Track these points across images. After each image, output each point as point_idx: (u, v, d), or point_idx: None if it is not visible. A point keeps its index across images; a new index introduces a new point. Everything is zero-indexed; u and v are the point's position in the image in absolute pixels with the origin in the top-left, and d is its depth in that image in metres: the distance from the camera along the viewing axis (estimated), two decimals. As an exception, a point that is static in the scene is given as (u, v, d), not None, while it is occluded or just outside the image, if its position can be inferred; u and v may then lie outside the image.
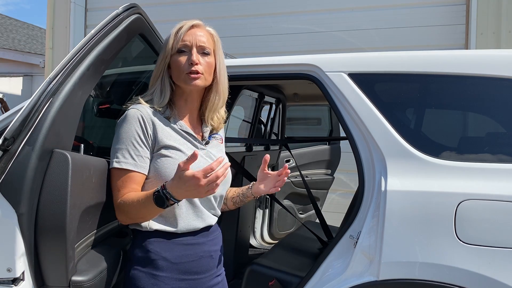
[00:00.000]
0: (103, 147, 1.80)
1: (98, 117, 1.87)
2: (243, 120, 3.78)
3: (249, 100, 3.61)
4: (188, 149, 1.46)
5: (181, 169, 1.24)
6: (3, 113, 4.13)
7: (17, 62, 11.51)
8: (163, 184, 1.29)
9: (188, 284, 1.44)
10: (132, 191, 1.40)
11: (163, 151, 1.42)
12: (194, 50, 1.46)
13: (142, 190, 1.42)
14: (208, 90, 1.55)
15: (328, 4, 5.09)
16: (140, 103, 1.46)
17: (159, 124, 1.44)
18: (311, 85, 1.95)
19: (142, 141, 1.41)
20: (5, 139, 1.22)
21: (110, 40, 1.49)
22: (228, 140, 3.44)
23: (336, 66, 1.87)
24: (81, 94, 1.42)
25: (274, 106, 3.87)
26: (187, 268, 1.44)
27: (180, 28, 1.48)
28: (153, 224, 1.42)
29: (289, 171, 1.60)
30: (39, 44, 14.77)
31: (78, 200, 1.32)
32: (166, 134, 1.44)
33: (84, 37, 1.54)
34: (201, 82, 1.47)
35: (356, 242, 1.71)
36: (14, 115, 1.63)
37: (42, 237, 1.27)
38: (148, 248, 1.41)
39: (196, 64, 1.45)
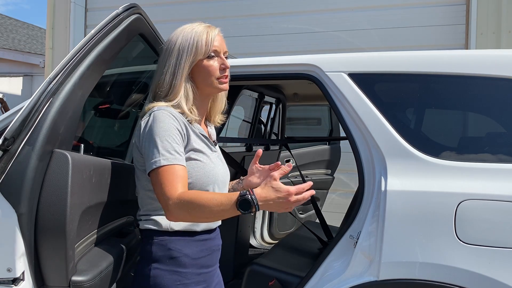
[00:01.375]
0: (103, 147, 1.80)
1: (98, 117, 1.87)
2: (243, 120, 3.79)
3: (249, 100, 3.61)
4: (209, 153, 1.49)
5: (274, 178, 1.26)
6: (3, 113, 4.13)
7: (17, 62, 11.51)
8: (251, 189, 1.27)
9: (203, 277, 1.49)
10: (186, 186, 1.36)
11: (192, 154, 1.43)
12: (223, 56, 1.50)
13: None
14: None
15: (328, 4, 5.09)
16: (165, 105, 1.43)
17: (188, 127, 1.45)
18: (311, 85, 1.96)
19: (181, 139, 1.40)
20: (5, 139, 1.22)
21: (110, 40, 1.49)
22: (228, 140, 3.47)
23: (336, 66, 1.87)
24: (81, 94, 1.42)
25: (274, 106, 3.87)
26: (204, 262, 1.49)
27: (208, 34, 1.47)
28: (174, 225, 1.43)
29: (287, 168, 1.44)
30: (39, 44, 14.77)
31: (78, 200, 1.31)
32: (194, 138, 1.46)
33: (84, 37, 1.54)
34: (228, 85, 1.53)
35: (356, 242, 1.71)
36: (14, 115, 1.63)
37: (42, 237, 1.27)
38: (169, 246, 1.43)
39: (228, 68, 1.51)
